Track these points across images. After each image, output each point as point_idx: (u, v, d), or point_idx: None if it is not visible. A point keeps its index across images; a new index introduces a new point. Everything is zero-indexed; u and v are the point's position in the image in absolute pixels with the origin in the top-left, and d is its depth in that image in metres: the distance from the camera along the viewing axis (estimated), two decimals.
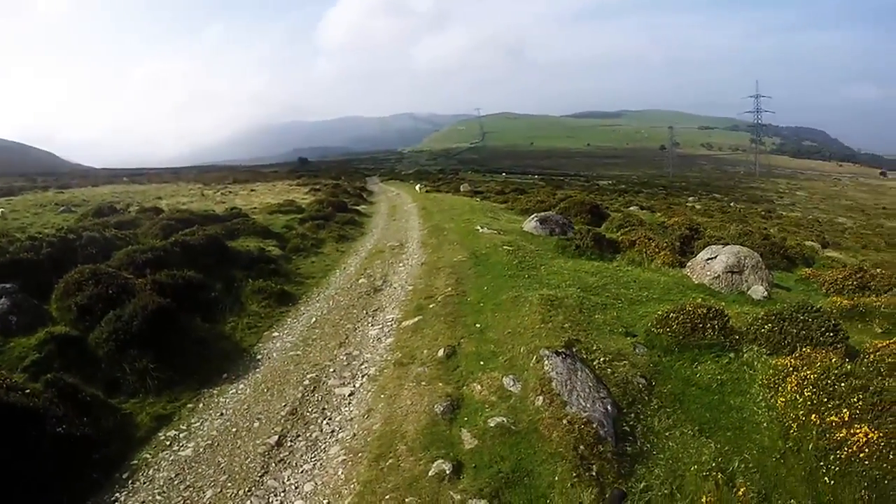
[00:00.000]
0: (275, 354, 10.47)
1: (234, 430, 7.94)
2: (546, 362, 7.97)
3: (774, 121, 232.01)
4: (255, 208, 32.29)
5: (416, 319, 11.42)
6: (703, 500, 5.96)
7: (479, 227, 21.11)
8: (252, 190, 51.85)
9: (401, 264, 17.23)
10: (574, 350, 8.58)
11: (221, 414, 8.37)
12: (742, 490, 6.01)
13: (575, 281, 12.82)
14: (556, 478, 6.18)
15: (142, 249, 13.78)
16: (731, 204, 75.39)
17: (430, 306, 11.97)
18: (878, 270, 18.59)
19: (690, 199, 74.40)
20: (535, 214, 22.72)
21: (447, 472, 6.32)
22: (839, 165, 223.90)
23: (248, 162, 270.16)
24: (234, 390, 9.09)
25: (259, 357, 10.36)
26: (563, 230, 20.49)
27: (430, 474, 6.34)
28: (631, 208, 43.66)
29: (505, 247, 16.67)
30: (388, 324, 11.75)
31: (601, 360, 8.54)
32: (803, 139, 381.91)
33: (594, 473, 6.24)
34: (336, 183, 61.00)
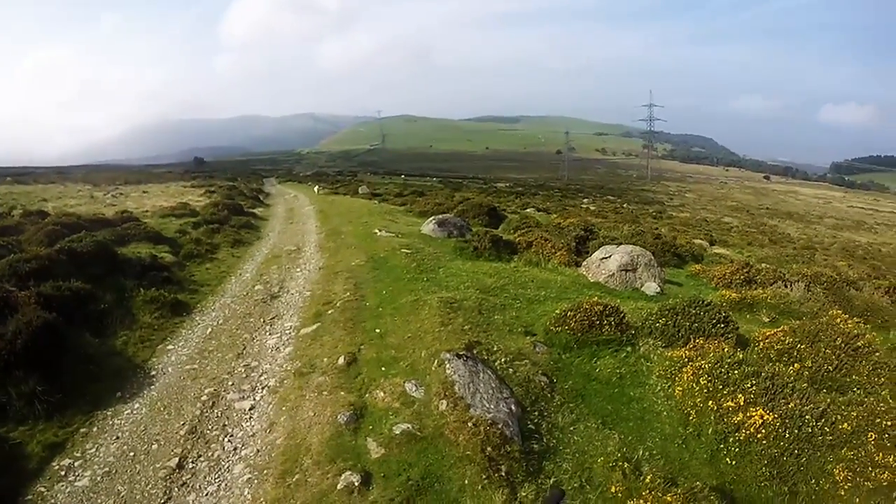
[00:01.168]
0: (170, 369, 9.92)
1: (131, 454, 7.46)
2: (448, 366, 7.96)
3: (666, 129, 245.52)
4: (147, 212, 30.78)
5: (315, 326, 11.18)
6: (612, 489, 6.12)
7: (377, 230, 20.96)
8: (144, 192, 49.51)
9: (298, 269, 16.87)
10: (475, 352, 8.62)
11: (117, 437, 7.83)
12: (649, 477, 6.19)
13: (474, 283, 12.89)
14: (467, 481, 6.17)
15: (25, 258, 12.71)
16: (625, 205, 78.29)
17: (329, 312, 11.76)
18: (763, 265, 19.86)
19: (585, 200, 76.68)
20: (433, 217, 22.78)
21: (356, 483, 6.19)
22: (725, 170, 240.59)
23: (143, 161, 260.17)
24: (129, 411, 8.52)
25: (154, 373, 9.78)
26: (462, 232, 20.60)
27: (338, 488, 6.20)
28: (528, 210, 44.44)
29: (403, 250, 16.61)
30: (287, 332, 11.43)
31: (502, 360, 8.61)
32: (693, 146, 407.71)
33: (503, 474, 6.29)
34: (232, 185, 59.38)
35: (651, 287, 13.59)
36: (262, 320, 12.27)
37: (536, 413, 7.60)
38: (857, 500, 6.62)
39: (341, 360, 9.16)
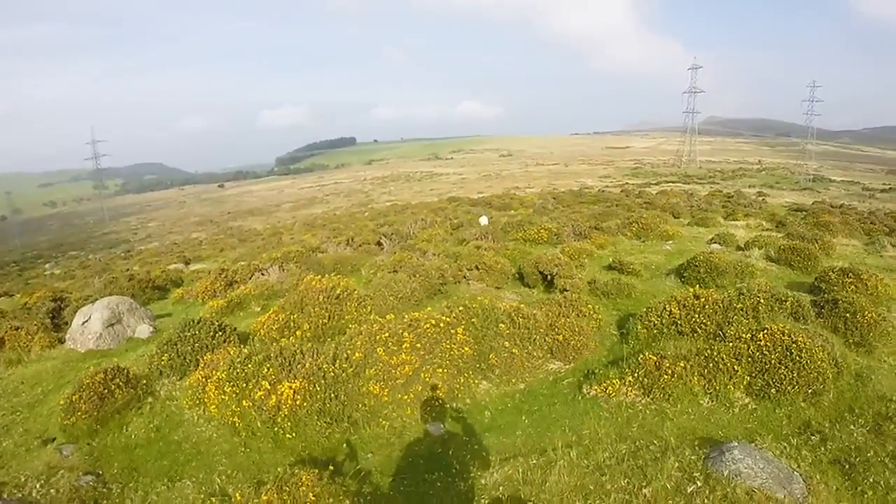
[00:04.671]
0: None
1: None
2: None
3: (114, 163, 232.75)
4: None
5: None
6: None
7: None
8: None
9: None
10: (6, 496, 7.40)
11: None
12: (238, 495, 6.13)
13: None
14: None
15: None
16: (90, 257, 73.62)
17: None
18: (239, 265, 20.82)
19: (48, 266, 69.74)
20: None
21: None
22: (181, 190, 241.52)
23: None
24: None
25: None
26: None
27: None
28: None
29: None
30: None
31: (38, 486, 7.46)
32: (144, 175, 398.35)
33: None
34: None
35: (144, 330, 13.15)
36: None
37: None
38: (399, 395, 8.11)
39: None
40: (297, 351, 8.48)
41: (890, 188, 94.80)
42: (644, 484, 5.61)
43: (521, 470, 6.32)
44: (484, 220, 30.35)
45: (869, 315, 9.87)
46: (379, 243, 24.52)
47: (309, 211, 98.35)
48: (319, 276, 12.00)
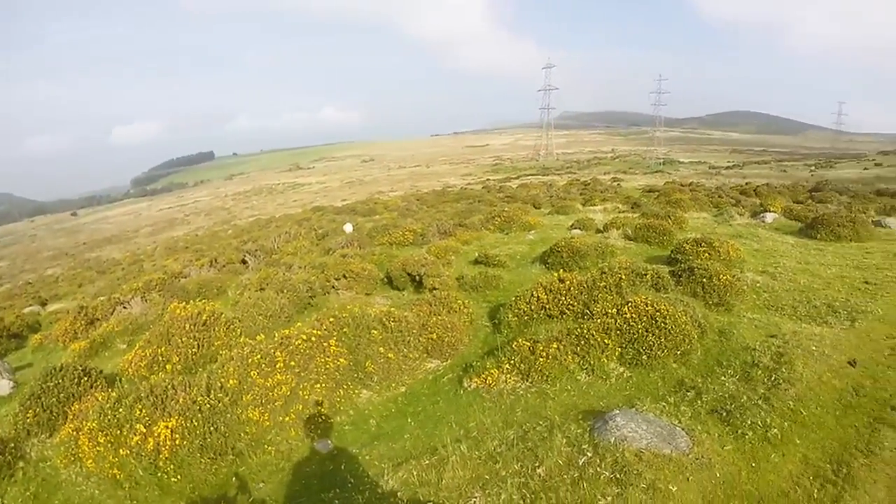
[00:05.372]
0: None
1: None
2: None
3: None
4: None
5: None
6: None
7: None
8: None
9: None
10: None
11: None
12: None
13: None
14: None
15: None
16: None
17: None
18: (99, 300, 19.60)
19: None
20: None
21: None
22: (32, 221, 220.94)
23: None
24: None
25: None
26: None
27: None
28: None
29: None
30: None
31: None
32: None
33: None
34: None
35: (3, 386, 12.04)
36: None
37: None
38: (280, 418, 8.06)
39: None
40: (169, 386, 8.09)
41: (734, 165, 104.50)
42: (537, 464, 5.85)
43: (415, 472, 6.42)
44: (349, 228, 30.51)
45: (724, 278, 10.99)
46: (244, 261, 24.12)
47: (170, 234, 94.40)
48: (184, 304, 11.60)
